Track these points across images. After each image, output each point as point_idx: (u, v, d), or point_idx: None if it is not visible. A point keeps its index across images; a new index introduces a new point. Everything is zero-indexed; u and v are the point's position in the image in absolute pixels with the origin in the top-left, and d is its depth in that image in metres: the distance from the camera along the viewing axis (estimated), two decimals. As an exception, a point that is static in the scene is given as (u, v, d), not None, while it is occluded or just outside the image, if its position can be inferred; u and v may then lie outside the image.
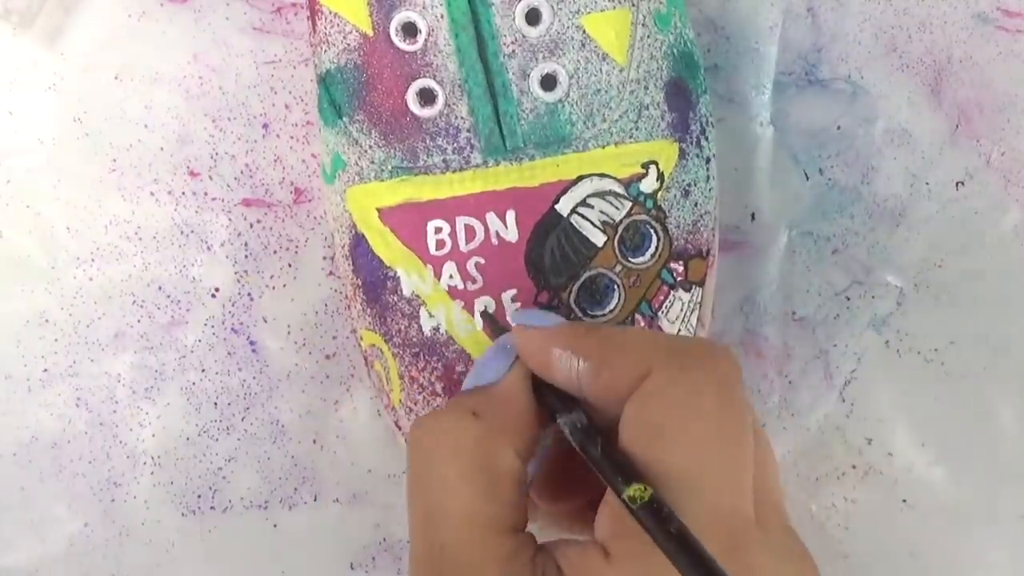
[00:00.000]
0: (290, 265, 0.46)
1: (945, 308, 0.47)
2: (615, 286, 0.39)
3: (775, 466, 0.35)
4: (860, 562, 0.47)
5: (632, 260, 0.40)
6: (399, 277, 0.40)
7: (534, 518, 0.40)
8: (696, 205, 0.41)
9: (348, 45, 0.40)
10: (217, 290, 0.46)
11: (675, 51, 0.41)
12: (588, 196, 0.39)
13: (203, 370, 0.46)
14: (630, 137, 0.40)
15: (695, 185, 0.41)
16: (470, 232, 0.39)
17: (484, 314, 0.39)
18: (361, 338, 0.42)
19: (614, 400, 0.33)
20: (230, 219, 0.46)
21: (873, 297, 0.47)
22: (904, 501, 0.47)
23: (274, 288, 0.46)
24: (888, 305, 0.47)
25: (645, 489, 0.30)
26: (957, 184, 0.47)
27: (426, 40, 0.39)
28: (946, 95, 0.47)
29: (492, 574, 0.31)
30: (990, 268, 0.47)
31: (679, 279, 0.40)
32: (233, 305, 0.46)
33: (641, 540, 0.30)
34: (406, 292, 0.40)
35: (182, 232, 0.46)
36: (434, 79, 0.39)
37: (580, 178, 0.39)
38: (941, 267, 0.47)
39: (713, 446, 0.31)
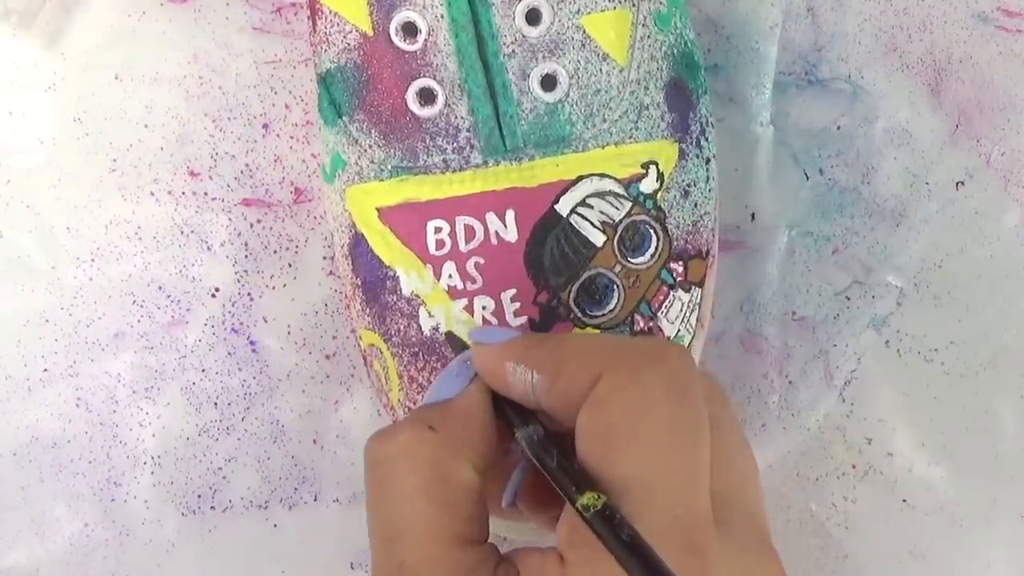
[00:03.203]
0: (290, 265, 0.46)
1: (945, 308, 0.47)
2: (615, 286, 0.39)
3: (741, 461, 0.35)
4: (860, 562, 0.47)
5: (632, 260, 0.40)
6: (398, 277, 0.40)
7: (523, 530, 0.40)
8: (696, 205, 0.41)
9: (348, 45, 0.40)
10: (217, 290, 0.46)
11: (675, 51, 0.41)
12: (588, 196, 0.39)
13: (203, 370, 0.46)
14: (630, 137, 0.40)
15: (695, 185, 0.41)
16: (470, 232, 0.39)
17: (448, 334, 0.39)
18: (360, 338, 0.42)
19: (570, 409, 0.33)
20: (230, 219, 0.46)
21: (873, 297, 0.47)
22: (904, 501, 0.47)
23: (274, 288, 0.46)
24: (888, 305, 0.47)
25: (598, 497, 0.30)
26: (957, 184, 0.47)
27: (426, 40, 0.39)
28: (946, 95, 0.47)
29: None
30: (990, 268, 0.47)
31: (679, 279, 0.40)
32: (233, 305, 0.46)
33: (595, 548, 0.30)
34: (405, 292, 0.40)
35: (182, 232, 0.46)
36: (434, 79, 0.39)
37: (580, 178, 0.39)
38: (941, 267, 0.47)
39: (664, 449, 0.31)
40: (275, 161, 0.46)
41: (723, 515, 0.32)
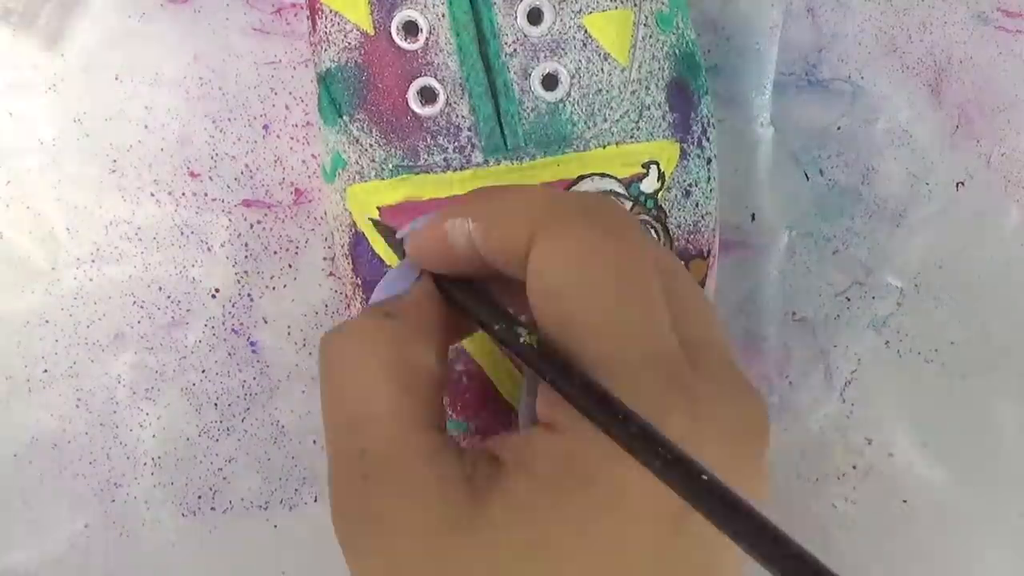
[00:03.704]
0: (290, 266, 0.46)
1: (945, 308, 0.47)
2: (616, 286, 0.39)
3: (706, 311, 0.34)
4: (860, 562, 0.47)
5: (633, 260, 0.39)
6: (399, 277, 0.40)
7: None
8: (697, 206, 0.41)
9: (349, 44, 0.40)
10: (217, 291, 0.46)
11: (677, 51, 0.41)
12: (589, 195, 0.39)
13: (203, 371, 0.46)
14: (631, 137, 0.40)
15: (696, 185, 0.41)
16: (470, 232, 0.39)
17: (399, 241, 0.38)
18: (361, 338, 0.42)
19: (510, 257, 0.32)
20: (230, 220, 0.46)
21: (873, 298, 0.47)
22: (904, 501, 0.47)
23: (274, 289, 0.46)
24: (888, 306, 0.47)
25: (531, 334, 0.30)
26: (957, 185, 0.47)
27: (427, 39, 0.39)
28: (946, 95, 0.47)
29: (418, 469, 0.30)
30: (990, 268, 0.47)
31: (680, 279, 0.40)
32: (233, 306, 0.46)
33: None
34: (406, 292, 0.40)
35: (182, 233, 0.46)
36: (435, 78, 0.39)
37: (581, 178, 0.39)
38: (941, 267, 0.47)
39: (620, 289, 0.30)
40: (275, 162, 0.46)
41: (698, 360, 0.31)
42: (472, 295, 0.33)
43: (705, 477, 0.26)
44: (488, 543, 0.29)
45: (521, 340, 0.30)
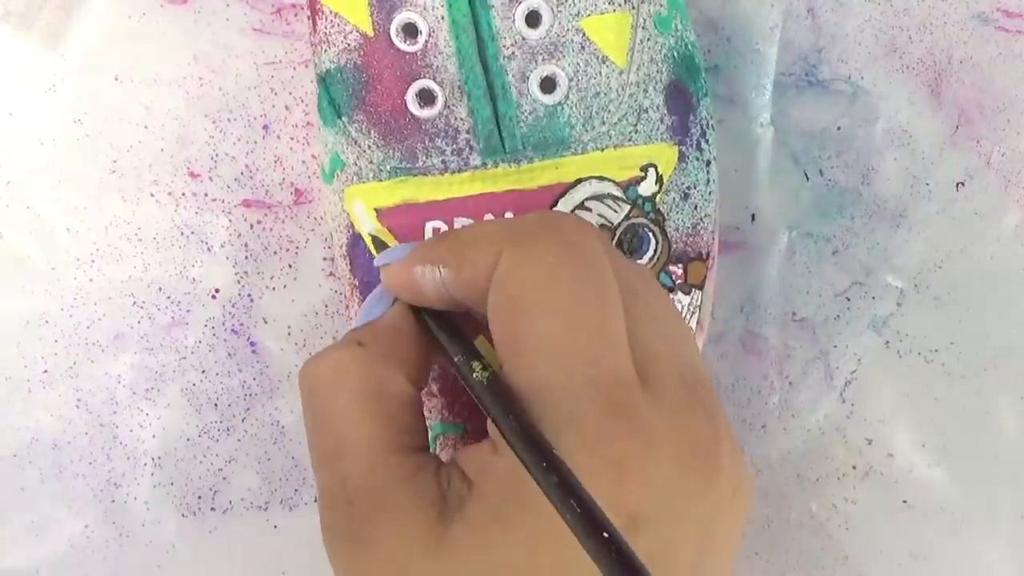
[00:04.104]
0: (290, 266, 0.46)
1: (945, 309, 0.47)
2: (614, 289, 0.39)
3: (667, 325, 0.34)
4: (860, 562, 0.47)
5: (630, 263, 0.39)
6: (397, 278, 0.40)
7: None
8: (696, 208, 0.41)
9: (348, 45, 0.40)
10: (217, 291, 0.46)
11: (675, 54, 0.41)
12: (586, 199, 0.39)
13: (203, 371, 0.46)
14: (629, 140, 0.40)
15: (695, 188, 0.41)
16: (468, 233, 0.39)
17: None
18: (360, 339, 0.42)
19: (481, 295, 0.32)
20: (230, 220, 0.46)
21: (873, 298, 0.47)
22: (904, 501, 0.47)
23: (274, 289, 0.46)
24: (888, 306, 0.47)
25: (484, 370, 0.31)
26: (957, 185, 0.47)
27: (426, 41, 0.39)
28: (946, 96, 0.47)
29: (397, 494, 0.31)
30: (990, 268, 0.47)
31: (678, 282, 0.40)
32: (233, 306, 0.46)
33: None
34: (405, 293, 0.40)
35: (182, 233, 0.46)
36: (434, 80, 0.39)
37: (578, 181, 0.39)
38: (941, 268, 0.47)
39: (569, 310, 0.30)
40: (275, 162, 0.46)
41: (648, 375, 0.31)
42: (439, 322, 0.34)
43: (606, 535, 0.26)
44: (452, 567, 0.30)
45: (474, 375, 0.31)
